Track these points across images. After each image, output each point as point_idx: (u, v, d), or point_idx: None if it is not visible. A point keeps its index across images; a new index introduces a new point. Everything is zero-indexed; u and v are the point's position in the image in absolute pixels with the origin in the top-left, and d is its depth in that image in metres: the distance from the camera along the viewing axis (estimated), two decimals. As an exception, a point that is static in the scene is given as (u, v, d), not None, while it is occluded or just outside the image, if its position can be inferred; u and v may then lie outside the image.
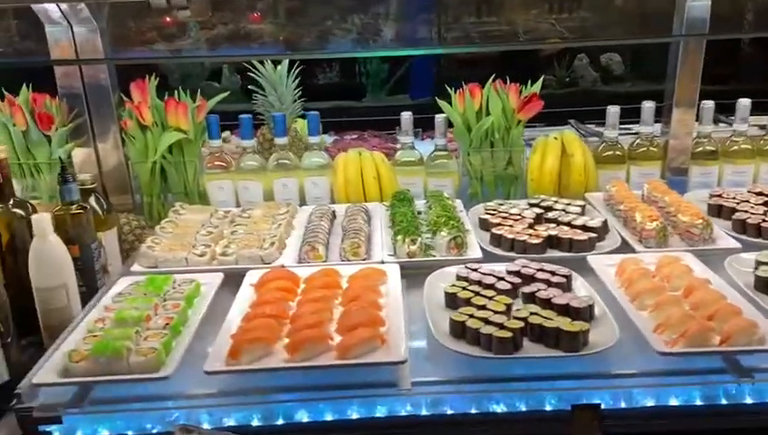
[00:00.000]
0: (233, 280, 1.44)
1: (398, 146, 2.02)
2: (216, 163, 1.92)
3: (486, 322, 1.14)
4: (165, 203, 1.94)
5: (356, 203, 1.85)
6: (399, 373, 1.09)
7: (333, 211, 1.79)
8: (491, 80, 1.92)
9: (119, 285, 1.39)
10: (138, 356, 1.07)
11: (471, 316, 1.16)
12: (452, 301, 1.27)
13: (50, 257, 1.26)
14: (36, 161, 1.84)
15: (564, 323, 1.12)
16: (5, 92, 1.85)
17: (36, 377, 1.04)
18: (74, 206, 1.40)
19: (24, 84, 1.83)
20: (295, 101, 2.15)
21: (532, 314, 1.16)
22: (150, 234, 1.77)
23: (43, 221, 1.25)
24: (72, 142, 1.84)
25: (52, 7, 1.70)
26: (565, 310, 1.19)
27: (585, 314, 1.18)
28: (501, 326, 1.12)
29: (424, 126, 3.34)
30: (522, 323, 1.13)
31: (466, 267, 1.38)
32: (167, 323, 1.17)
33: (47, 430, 1.06)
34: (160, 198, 1.93)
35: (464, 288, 1.28)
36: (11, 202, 1.37)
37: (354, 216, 1.70)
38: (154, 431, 1.08)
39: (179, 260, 1.49)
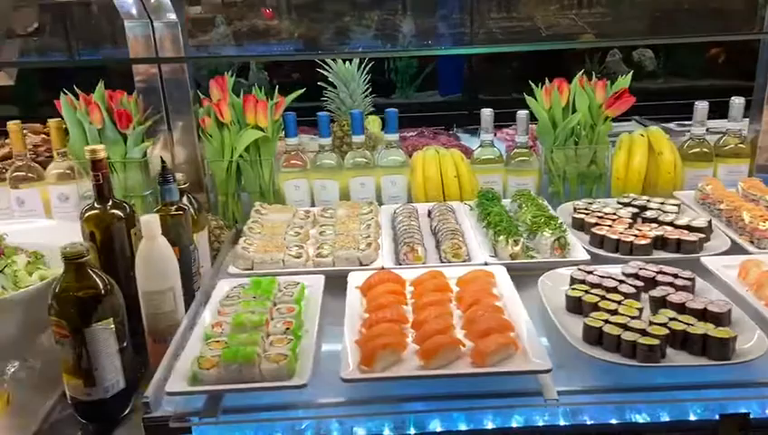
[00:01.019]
0: (333, 281, 1.39)
1: (476, 144, 1.97)
2: (292, 162, 1.88)
3: (625, 328, 1.09)
4: (238, 202, 1.91)
5: (437, 202, 1.80)
6: (543, 382, 1.04)
7: (417, 210, 1.74)
8: (579, 75, 1.87)
9: (220, 287, 1.35)
10: (269, 363, 1.02)
11: (606, 322, 1.11)
12: (575, 305, 1.22)
13: (159, 260, 1.22)
14: (112, 160, 1.80)
15: (711, 330, 1.07)
16: (77, 90, 1.83)
17: (169, 385, 1.00)
18: (174, 207, 1.36)
19: (101, 81, 1.80)
20: (366, 96, 2.11)
21: (671, 319, 1.11)
22: (227, 234, 1.74)
23: (152, 223, 1.21)
24: (150, 141, 1.80)
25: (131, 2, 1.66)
26: (701, 315, 1.14)
27: (725, 319, 1.13)
28: (643, 333, 1.07)
29: (455, 122, 3.32)
30: (666, 330, 1.08)
31: (580, 269, 1.33)
32: (287, 328, 1.13)
33: (179, 438, 1.02)
34: (234, 197, 1.90)
35: (586, 292, 1.23)
36: (110, 203, 1.33)
37: (444, 215, 1.65)
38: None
39: (276, 262, 1.44)
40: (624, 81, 1.84)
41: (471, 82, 4.96)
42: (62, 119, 1.80)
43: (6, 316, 1.33)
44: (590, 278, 1.29)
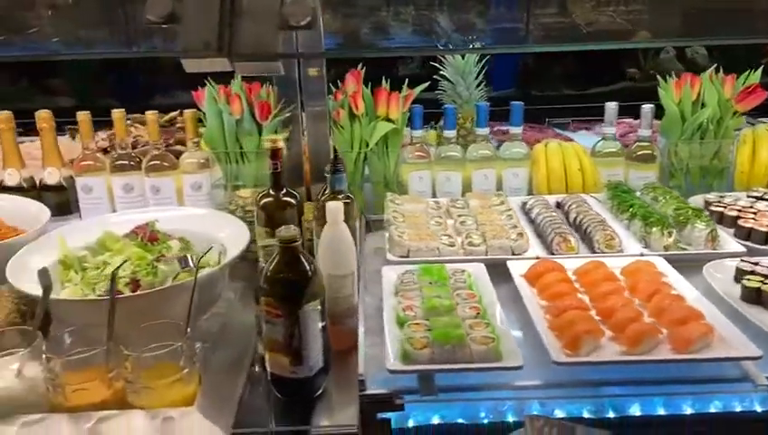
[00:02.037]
0: (489, 270, 1.43)
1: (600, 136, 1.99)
2: (417, 153, 1.92)
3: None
4: (361, 193, 1.95)
5: (567, 194, 1.82)
6: (748, 369, 1.07)
7: (548, 202, 1.77)
8: (711, 70, 1.87)
9: (385, 273, 1.39)
10: (477, 345, 1.06)
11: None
12: (753, 295, 1.24)
13: (341, 245, 1.26)
14: (246, 150, 1.85)
15: None
16: (210, 82, 1.88)
17: (389, 364, 1.04)
18: (342, 196, 1.40)
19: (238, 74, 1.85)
20: (481, 89, 2.14)
21: None
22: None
23: (337, 209, 1.25)
24: (284, 132, 1.85)
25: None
26: None
27: None
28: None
29: (504, 118, 3.33)
30: None
31: (743, 261, 1.35)
32: (477, 313, 1.17)
33: (385, 417, 1.06)
34: (359, 188, 1.94)
35: (762, 282, 1.25)
36: (283, 191, 1.38)
37: (581, 207, 1.67)
38: (485, 421, 1.08)
39: (432, 250, 1.48)
40: (754, 76, 1.84)
41: (524, 78, 4.98)
42: (198, 109, 1.87)
43: (178, 300, 1.39)
44: (758, 269, 1.31)
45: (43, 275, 1.21)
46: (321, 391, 1.17)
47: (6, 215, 1.68)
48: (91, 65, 3.89)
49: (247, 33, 0.83)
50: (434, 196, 1.93)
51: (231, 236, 1.54)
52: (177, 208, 1.75)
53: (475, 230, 1.58)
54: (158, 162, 1.85)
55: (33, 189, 1.87)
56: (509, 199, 1.82)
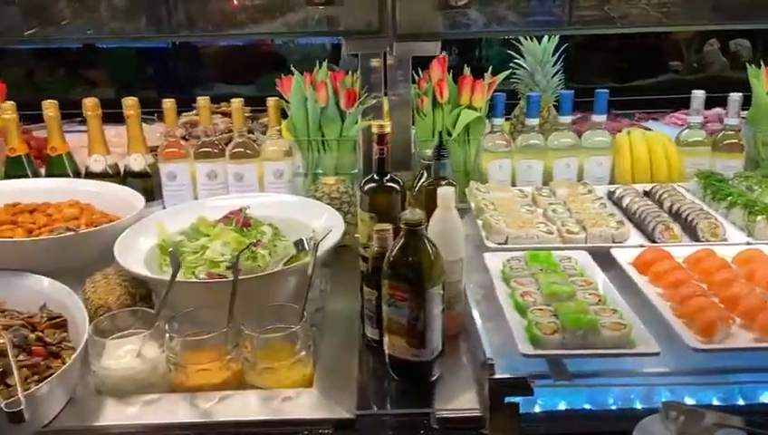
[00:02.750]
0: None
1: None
2: (497, 142, 1.91)
3: None
4: (440, 182, 1.94)
5: (657, 184, 1.79)
6: None
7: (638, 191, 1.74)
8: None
9: (489, 260, 1.39)
10: (610, 331, 1.05)
11: None
12: None
13: (453, 231, 1.25)
14: (328, 138, 1.86)
15: None
16: (294, 69, 1.89)
17: (523, 349, 1.04)
18: (445, 182, 1.40)
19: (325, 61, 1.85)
20: (556, 77, 2.12)
21: None
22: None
23: (449, 194, 1.24)
24: (366, 120, 1.85)
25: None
26: None
27: None
28: None
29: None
30: None
31: None
32: (599, 300, 1.16)
33: (513, 401, 1.06)
34: (439, 177, 1.93)
35: None
36: (387, 177, 1.38)
37: (675, 196, 1.65)
38: (613, 407, 1.08)
39: (531, 237, 1.47)
40: None
41: (565, 69, 4.94)
42: (281, 98, 1.88)
43: (281, 285, 1.40)
44: None
45: (174, 257, 1.23)
46: (437, 375, 1.18)
47: (98, 201, 1.70)
48: (129, 56, 3.94)
49: (409, 14, 0.82)
50: (513, 185, 1.92)
51: (325, 223, 1.56)
52: (267, 195, 1.76)
53: (568, 218, 1.56)
54: (242, 150, 1.86)
55: (117, 176, 1.89)
56: (598, 188, 1.80)
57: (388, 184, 1.37)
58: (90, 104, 1.82)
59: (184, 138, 2.23)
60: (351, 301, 1.47)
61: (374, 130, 1.33)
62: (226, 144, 1.90)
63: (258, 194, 1.79)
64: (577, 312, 1.08)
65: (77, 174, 1.89)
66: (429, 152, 1.47)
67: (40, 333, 1.24)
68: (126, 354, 1.19)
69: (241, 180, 1.87)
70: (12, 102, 1.81)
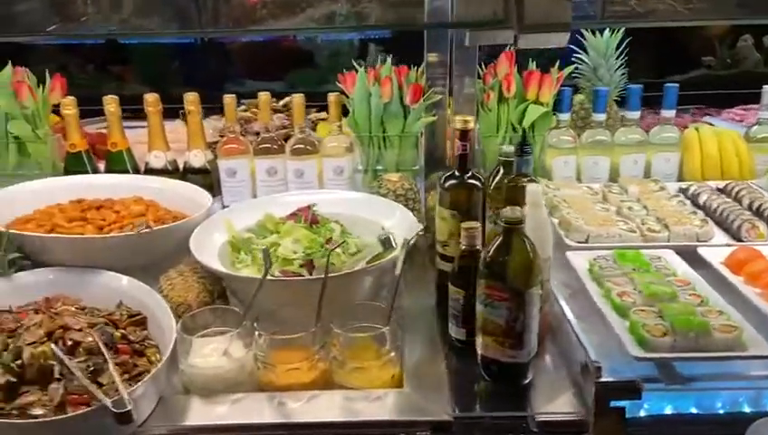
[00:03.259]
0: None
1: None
2: (562, 137, 1.87)
3: None
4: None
5: (731, 181, 1.74)
6: None
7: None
8: None
9: (573, 258, 1.36)
10: (721, 333, 1.02)
11: None
12: None
13: (541, 228, 1.22)
14: (390, 134, 1.83)
15: None
16: (356, 64, 1.86)
17: (634, 351, 1.01)
18: (527, 178, 1.37)
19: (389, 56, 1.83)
20: (618, 72, 2.08)
21: None
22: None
23: (537, 192, 1.21)
24: (428, 115, 1.82)
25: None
26: None
27: None
28: None
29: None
30: None
31: None
32: (701, 301, 1.12)
33: (619, 405, 1.03)
34: (500, 173, 1.90)
35: None
36: (469, 173, 1.35)
37: (753, 193, 1.60)
38: (721, 411, 1.04)
39: (612, 236, 1.44)
40: None
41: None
42: (342, 93, 1.85)
43: (362, 283, 1.38)
44: None
45: (267, 255, 1.21)
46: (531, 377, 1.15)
47: (161, 197, 1.69)
48: (156, 52, 3.93)
49: (536, 3, 0.79)
50: (578, 181, 1.88)
51: (398, 221, 1.53)
52: (332, 192, 1.74)
53: (646, 216, 1.52)
54: (302, 146, 1.84)
55: (176, 172, 1.88)
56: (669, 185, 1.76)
57: (470, 181, 1.34)
58: (151, 100, 1.81)
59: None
60: (424, 298, 1.45)
61: (457, 125, 1.30)
62: (285, 140, 1.89)
63: (325, 191, 1.77)
64: (686, 313, 1.04)
65: (136, 170, 1.88)
66: (507, 148, 1.44)
67: (123, 331, 1.23)
68: (212, 353, 1.18)
69: (301, 177, 1.85)
70: (72, 98, 1.80)
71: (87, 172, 1.84)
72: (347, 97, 1.86)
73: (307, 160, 1.84)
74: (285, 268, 1.43)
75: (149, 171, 1.86)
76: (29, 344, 1.13)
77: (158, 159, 1.85)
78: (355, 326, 1.18)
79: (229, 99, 1.84)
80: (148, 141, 1.86)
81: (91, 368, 1.09)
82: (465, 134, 1.30)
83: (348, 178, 1.87)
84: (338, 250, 1.45)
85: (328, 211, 1.60)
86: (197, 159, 1.86)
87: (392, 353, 1.16)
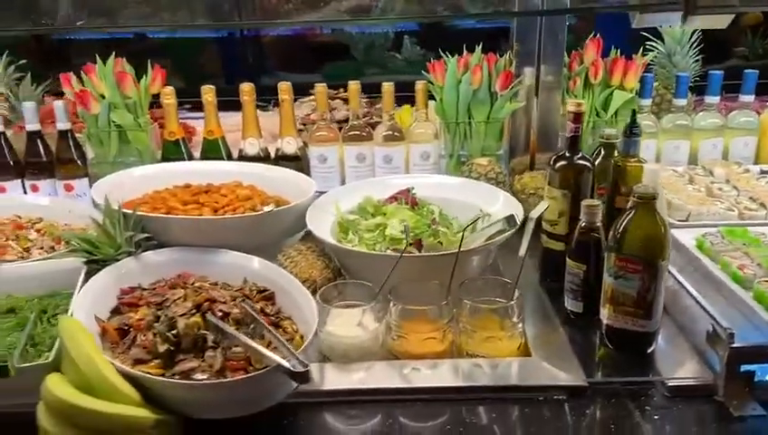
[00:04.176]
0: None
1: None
2: (645, 122, 1.92)
3: None
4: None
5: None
6: None
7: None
8: None
9: (680, 235, 1.41)
10: None
11: None
12: None
13: (662, 207, 1.27)
14: (476, 120, 1.89)
15: None
16: (443, 53, 1.92)
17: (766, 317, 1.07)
18: (634, 159, 1.42)
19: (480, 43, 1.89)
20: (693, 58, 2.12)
21: None
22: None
23: (656, 172, 1.27)
24: (515, 102, 1.88)
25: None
26: None
27: None
28: None
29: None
30: None
31: None
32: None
33: (749, 369, 1.09)
34: (581, 158, 1.96)
35: None
36: (579, 154, 1.41)
37: (842, 175, 1.66)
38: None
39: (713, 214, 1.49)
40: None
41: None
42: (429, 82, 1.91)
43: (479, 259, 1.44)
44: None
45: (407, 231, 1.28)
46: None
47: (262, 183, 1.75)
48: (195, 45, 3.99)
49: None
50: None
51: (502, 205, 1.58)
52: (428, 176, 1.80)
53: (737, 196, 1.58)
54: (391, 132, 1.91)
55: (267, 159, 1.96)
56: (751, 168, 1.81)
57: (580, 161, 1.40)
58: (246, 89, 1.88)
59: (312, 123, 2.29)
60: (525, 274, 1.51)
61: (570, 108, 1.36)
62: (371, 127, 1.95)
63: (423, 175, 1.83)
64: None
65: (229, 157, 1.96)
66: (609, 131, 1.49)
67: (259, 304, 1.30)
68: (346, 324, 1.25)
69: (390, 162, 1.92)
70: (171, 88, 1.88)
71: (183, 159, 1.92)
72: (431, 84, 1.92)
73: (395, 147, 1.91)
74: (395, 247, 1.50)
75: (243, 158, 1.93)
76: (181, 316, 1.22)
77: (252, 146, 1.92)
78: (482, 299, 1.25)
79: (321, 88, 1.91)
80: (242, 129, 1.93)
81: (249, 335, 1.17)
82: (577, 117, 1.36)
83: (433, 163, 1.94)
84: (443, 229, 1.53)
85: (424, 194, 1.67)
86: (290, 145, 1.93)
87: (519, 325, 1.23)
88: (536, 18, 1.77)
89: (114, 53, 1.89)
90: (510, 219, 1.31)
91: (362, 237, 1.54)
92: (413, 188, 1.67)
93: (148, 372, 1.05)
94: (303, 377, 0.97)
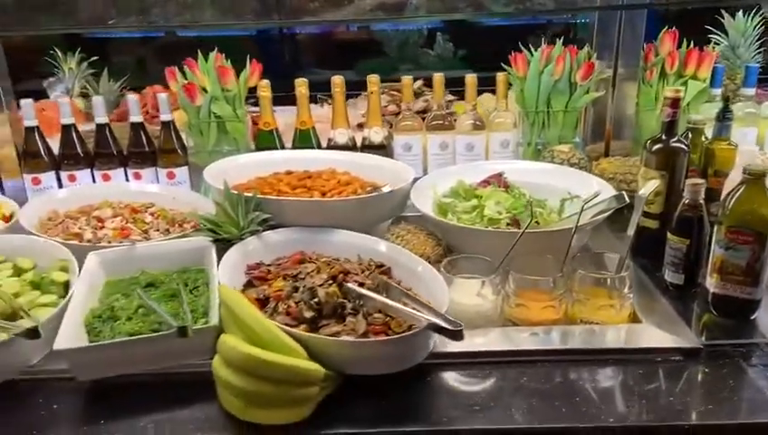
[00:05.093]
0: None
1: None
2: (715, 111, 2.01)
3: None
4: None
5: None
6: None
7: None
8: None
9: None
10: None
11: None
12: None
13: None
14: (554, 109, 2.00)
15: None
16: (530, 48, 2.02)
17: None
18: (725, 143, 1.52)
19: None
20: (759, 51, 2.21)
21: None
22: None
23: (753, 153, 1.37)
24: (592, 93, 1.98)
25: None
26: None
27: None
28: None
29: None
30: None
31: None
32: None
33: None
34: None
35: None
36: (674, 138, 1.51)
37: None
38: None
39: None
40: None
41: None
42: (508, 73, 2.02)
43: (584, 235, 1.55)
44: None
45: (529, 207, 1.39)
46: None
47: (362, 171, 1.85)
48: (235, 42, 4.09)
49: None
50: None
51: (597, 187, 1.68)
52: (512, 162, 1.91)
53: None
54: (472, 121, 2.02)
55: (354, 148, 2.07)
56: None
57: (676, 144, 1.50)
58: (337, 81, 1.99)
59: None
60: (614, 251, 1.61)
61: (668, 94, 1.46)
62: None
63: (514, 161, 1.94)
64: None
65: (318, 146, 2.07)
66: (696, 117, 1.60)
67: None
68: (467, 294, 1.36)
69: (471, 150, 2.03)
70: (267, 81, 2.00)
71: (276, 148, 2.03)
72: (511, 76, 2.02)
73: (477, 135, 2.02)
74: (495, 226, 1.61)
75: (332, 147, 2.05)
76: (319, 286, 1.33)
77: (342, 136, 2.03)
78: (592, 271, 1.36)
79: (407, 80, 2.02)
80: (331, 120, 2.05)
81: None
82: (675, 102, 1.46)
83: (512, 151, 2.04)
84: (539, 209, 1.64)
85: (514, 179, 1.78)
86: (377, 135, 2.04)
87: (630, 295, 1.33)
88: (617, 13, 1.87)
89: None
90: (619, 197, 1.41)
91: (460, 218, 1.65)
92: (504, 173, 1.78)
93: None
94: (458, 335, 1.08)
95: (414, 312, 1.15)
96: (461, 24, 4.36)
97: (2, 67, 1.91)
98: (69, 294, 1.29)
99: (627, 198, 1.40)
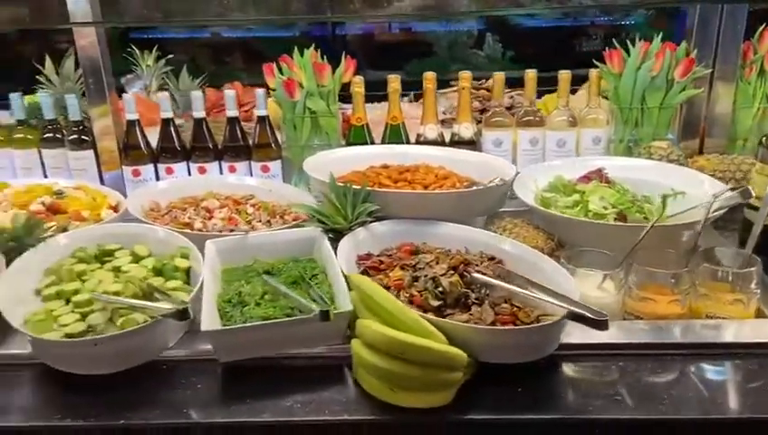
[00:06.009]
0: None
1: None
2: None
3: None
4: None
5: None
6: None
7: None
8: None
9: None
10: None
11: None
12: None
13: None
14: (650, 106, 1.98)
15: None
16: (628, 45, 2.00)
17: None
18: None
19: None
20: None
21: None
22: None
23: None
24: (693, 90, 1.96)
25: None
26: None
27: None
28: None
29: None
30: None
31: None
32: None
33: None
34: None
35: None
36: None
37: None
38: None
39: None
40: None
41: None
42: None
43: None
44: None
45: (664, 200, 1.38)
46: None
47: (457, 167, 1.86)
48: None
49: None
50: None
51: (709, 187, 1.65)
52: (610, 158, 1.90)
53: None
54: (564, 118, 2.01)
55: (443, 143, 2.08)
56: None
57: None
58: (429, 77, 2.00)
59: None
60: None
61: None
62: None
63: (614, 157, 1.93)
64: None
65: (407, 141, 2.09)
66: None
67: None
68: (588, 287, 1.36)
69: (563, 146, 2.02)
70: (361, 77, 2.02)
71: (367, 143, 2.05)
72: (605, 72, 2.01)
73: (569, 131, 2.01)
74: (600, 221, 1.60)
75: (422, 142, 2.06)
76: (441, 276, 1.34)
77: (431, 131, 2.05)
78: (714, 267, 1.34)
79: (498, 77, 2.02)
80: (421, 115, 2.06)
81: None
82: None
83: (603, 147, 2.03)
84: (648, 205, 1.62)
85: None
86: (467, 131, 2.05)
87: (757, 290, 1.31)
88: (717, 7, 1.85)
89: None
90: (744, 192, 1.39)
91: (564, 213, 1.65)
92: (605, 168, 1.77)
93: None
94: (602, 325, 1.08)
95: (552, 300, 1.16)
96: (511, 25, 4.36)
97: (107, 62, 1.97)
98: (200, 279, 1.32)
99: (753, 193, 1.38)
